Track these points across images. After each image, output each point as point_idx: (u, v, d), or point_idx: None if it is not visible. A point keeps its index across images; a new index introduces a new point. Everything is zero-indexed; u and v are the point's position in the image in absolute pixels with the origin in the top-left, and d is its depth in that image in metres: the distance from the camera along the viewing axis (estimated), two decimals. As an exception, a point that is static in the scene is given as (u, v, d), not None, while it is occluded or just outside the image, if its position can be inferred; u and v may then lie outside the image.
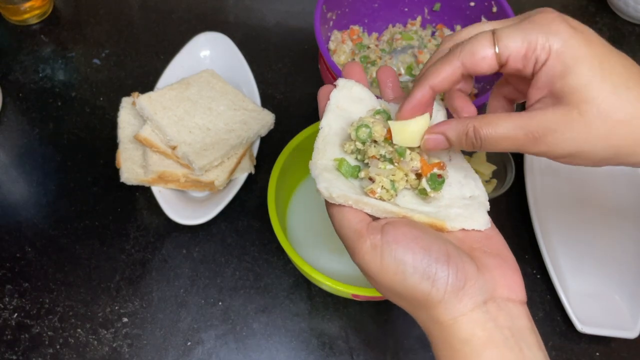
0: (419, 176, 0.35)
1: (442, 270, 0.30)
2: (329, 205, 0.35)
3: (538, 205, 0.63)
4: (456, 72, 0.33)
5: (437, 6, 0.71)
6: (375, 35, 0.73)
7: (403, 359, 0.56)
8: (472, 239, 0.34)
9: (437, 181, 0.34)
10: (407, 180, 0.35)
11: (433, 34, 0.73)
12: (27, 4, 0.73)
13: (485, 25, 0.36)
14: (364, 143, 0.36)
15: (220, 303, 0.58)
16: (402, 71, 0.69)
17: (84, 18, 0.78)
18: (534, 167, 0.66)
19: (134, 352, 0.55)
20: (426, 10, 0.73)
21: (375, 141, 0.36)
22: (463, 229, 0.34)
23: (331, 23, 0.68)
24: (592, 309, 0.57)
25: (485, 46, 0.32)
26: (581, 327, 0.55)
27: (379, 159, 0.35)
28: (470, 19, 0.69)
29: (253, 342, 0.56)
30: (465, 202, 0.36)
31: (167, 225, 0.61)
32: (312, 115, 0.71)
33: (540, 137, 0.31)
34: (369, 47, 0.70)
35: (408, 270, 0.30)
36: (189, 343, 0.55)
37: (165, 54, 0.74)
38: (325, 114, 0.37)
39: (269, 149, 0.65)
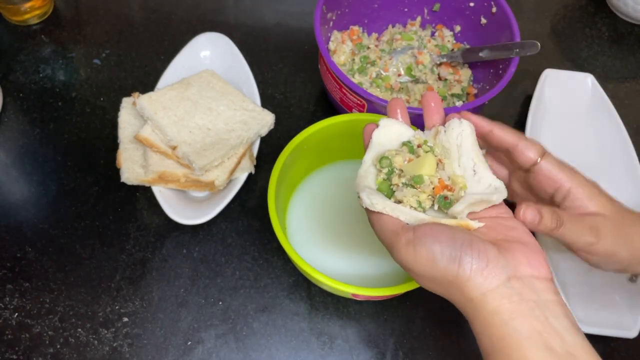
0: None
1: (466, 254, 0.35)
2: (369, 213, 0.41)
3: (538, 205, 0.63)
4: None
5: (436, 6, 0.71)
6: (375, 35, 0.73)
7: (403, 359, 0.56)
8: (495, 232, 0.38)
9: (444, 202, 0.40)
10: (433, 200, 0.41)
11: (433, 34, 0.73)
12: (28, 4, 0.74)
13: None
14: (389, 173, 0.41)
15: (220, 303, 0.58)
16: (402, 72, 0.69)
17: (84, 18, 0.78)
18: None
19: (134, 351, 0.55)
20: (426, 11, 0.73)
21: (401, 170, 0.41)
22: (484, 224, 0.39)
23: (331, 23, 0.68)
24: (592, 309, 0.57)
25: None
26: (581, 327, 0.55)
27: (402, 185, 0.41)
28: (469, 19, 0.69)
29: (253, 342, 0.56)
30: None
31: (168, 225, 0.61)
32: (312, 115, 0.71)
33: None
34: (368, 48, 0.71)
35: (437, 257, 0.35)
36: (189, 342, 0.55)
37: (165, 54, 0.74)
38: (368, 150, 0.44)
39: (269, 149, 0.66)
